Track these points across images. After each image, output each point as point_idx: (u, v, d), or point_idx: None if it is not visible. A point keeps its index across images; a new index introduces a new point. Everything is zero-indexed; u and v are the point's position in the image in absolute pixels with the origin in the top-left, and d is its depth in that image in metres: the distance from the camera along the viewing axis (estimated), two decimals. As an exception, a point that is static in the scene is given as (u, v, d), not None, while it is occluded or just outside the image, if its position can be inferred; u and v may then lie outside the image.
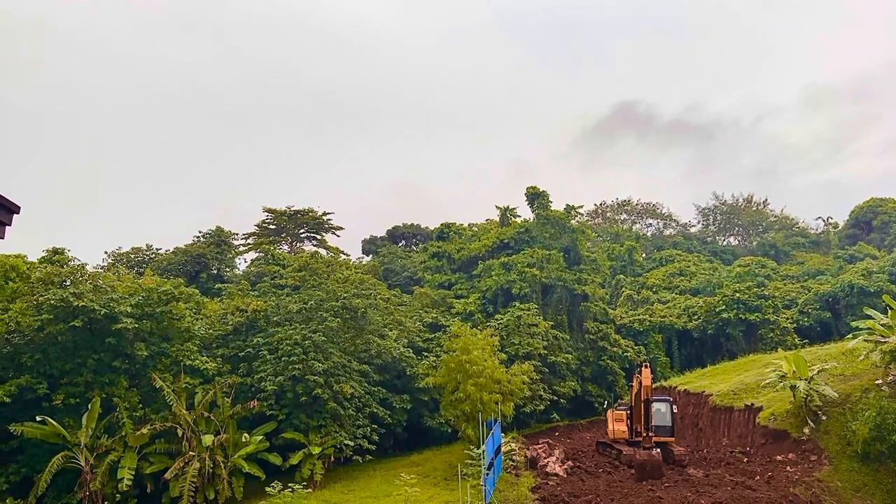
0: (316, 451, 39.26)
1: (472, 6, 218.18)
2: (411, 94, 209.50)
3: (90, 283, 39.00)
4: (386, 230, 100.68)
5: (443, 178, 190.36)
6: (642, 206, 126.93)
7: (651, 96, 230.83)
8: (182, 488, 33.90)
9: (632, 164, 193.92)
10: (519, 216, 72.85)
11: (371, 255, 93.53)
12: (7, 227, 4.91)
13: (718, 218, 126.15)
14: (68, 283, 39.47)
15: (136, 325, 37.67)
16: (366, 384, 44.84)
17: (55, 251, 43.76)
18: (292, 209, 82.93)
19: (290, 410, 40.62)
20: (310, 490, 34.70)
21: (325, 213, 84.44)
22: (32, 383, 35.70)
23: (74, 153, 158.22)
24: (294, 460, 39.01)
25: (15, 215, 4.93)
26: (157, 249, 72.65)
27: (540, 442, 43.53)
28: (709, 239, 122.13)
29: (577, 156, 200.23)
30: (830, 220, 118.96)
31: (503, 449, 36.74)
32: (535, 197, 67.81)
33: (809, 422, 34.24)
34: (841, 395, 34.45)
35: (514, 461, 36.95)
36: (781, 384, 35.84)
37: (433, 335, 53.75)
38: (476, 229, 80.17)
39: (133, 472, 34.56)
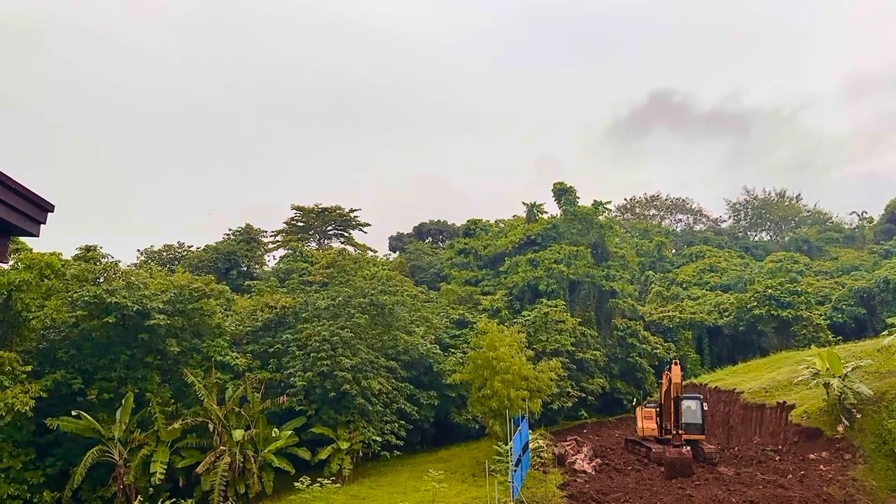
0: (344, 446, 39.55)
1: (498, 1, 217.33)
2: (438, 90, 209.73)
3: (123, 280, 39.70)
4: (412, 227, 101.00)
5: (470, 174, 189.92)
6: (672, 201, 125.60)
7: (687, 85, 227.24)
8: (213, 482, 34.38)
9: (664, 158, 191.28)
10: (546, 212, 72.55)
11: (398, 252, 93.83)
12: (41, 226, 4.99)
13: (750, 213, 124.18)
14: (102, 280, 40.24)
15: (168, 322, 38.24)
16: (393, 380, 45.03)
17: (88, 249, 44.59)
18: (320, 206, 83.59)
19: (318, 406, 40.96)
20: (338, 485, 34.92)
21: (352, 211, 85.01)
22: (68, 378, 36.47)
23: (108, 152, 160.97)
24: (323, 455, 39.34)
25: (49, 213, 5.00)
26: (189, 247, 73.71)
27: (568, 439, 43.29)
28: (740, 234, 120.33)
29: (608, 149, 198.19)
30: (865, 215, 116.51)
31: (531, 446, 36.63)
32: (563, 193, 67.42)
33: (843, 420, 33.62)
34: (876, 392, 33.75)
35: (541, 458, 36.84)
36: (815, 382, 35.25)
37: (460, 332, 53.77)
38: (502, 226, 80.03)
39: (165, 466, 35.13)
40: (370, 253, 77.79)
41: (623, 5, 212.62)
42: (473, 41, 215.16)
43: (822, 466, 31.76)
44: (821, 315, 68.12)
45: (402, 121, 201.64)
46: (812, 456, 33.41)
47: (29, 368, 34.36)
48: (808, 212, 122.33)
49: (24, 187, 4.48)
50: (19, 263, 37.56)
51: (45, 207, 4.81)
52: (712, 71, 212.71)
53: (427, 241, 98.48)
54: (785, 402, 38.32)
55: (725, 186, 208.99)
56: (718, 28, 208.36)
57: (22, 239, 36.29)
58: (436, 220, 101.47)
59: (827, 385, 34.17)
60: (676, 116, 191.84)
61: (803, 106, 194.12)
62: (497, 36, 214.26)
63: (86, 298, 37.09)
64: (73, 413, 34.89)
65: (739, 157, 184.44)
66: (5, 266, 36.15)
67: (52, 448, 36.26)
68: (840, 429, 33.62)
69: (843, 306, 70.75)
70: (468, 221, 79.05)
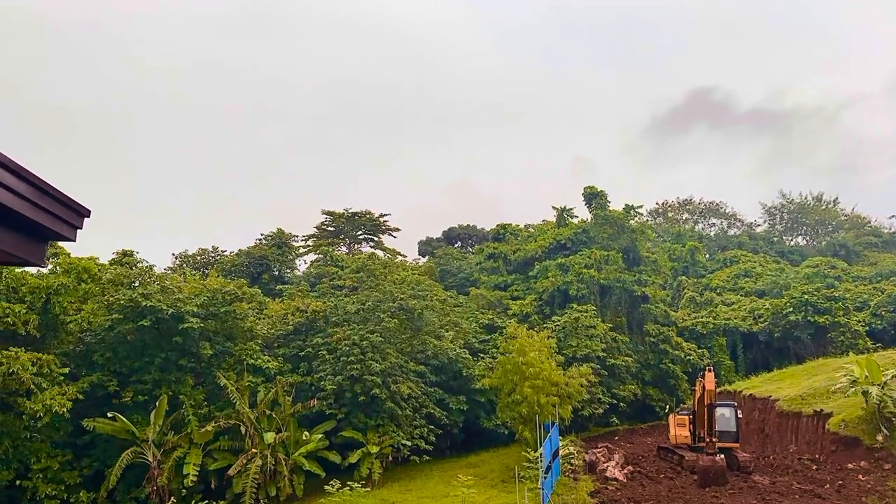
0: (374, 450, 39.65)
1: (528, 6, 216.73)
2: (470, 93, 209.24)
3: (158, 284, 40.34)
4: (441, 231, 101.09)
5: (502, 178, 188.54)
6: (705, 205, 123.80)
7: (728, 83, 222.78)
8: (245, 485, 34.72)
9: (702, 158, 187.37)
10: (576, 217, 72.03)
11: (427, 257, 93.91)
12: (78, 231, 5.06)
13: (785, 217, 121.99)
14: (137, 284, 40.93)
15: (202, 325, 38.74)
16: (422, 385, 45.07)
17: (125, 253, 45.38)
18: (350, 211, 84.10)
19: (348, 409, 41.16)
20: (368, 489, 35.05)
21: (381, 215, 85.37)
22: (103, 381, 37.16)
23: (143, 158, 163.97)
24: (353, 459, 39.49)
25: (85, 219, 5.07)
26: (222, 251, 74.63)
27: (599, 446, 42.93)
28: (775, 239, 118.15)
29: (645, 148, 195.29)
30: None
31: (561, 452, 36.38)
32: (593, 197, 66.93)
33: (883, 429, 32.83)
34: (918, 401, 32.89)
35: (572, 465, 36.57)
36: (853, 389, 34.47)
37: (489, 336, 53.62)
38: (532, 230, 79.63)
39: (198, 468, 35.57)
40: (399, 257, 78.07)
41: (660, 4, 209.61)
42: (504, 44, 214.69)
43: (860, 476, 31.02)
44: (859, 321, 66.62)
45: (432, 125, 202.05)
46: (850, 465, 32.65)
47: (66, 370, 35.05)
48: (845, 216, 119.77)
49: (60, 192, 4.55)
50: (57, 268, 38.41)
51: (82, 213, 4.87)
52: (754, 69, 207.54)
53: (456, 245, 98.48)
54: (822, 410, 37.54)
55: (765, 188, 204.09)
56: (761, 25, 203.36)
57: (60, 243, 37.11)
58: (465, 224, 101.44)
59: (866, 393, 33.41)
60: (716, 115, 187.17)
61: (847, 105, 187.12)
62: (529, 40, 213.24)
63: (121, 302, 37.78)
64: (109, 415, 35.52)
65: (780, 158, 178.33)
66: (44, 270, 37.03)
67: (88, 449, 36.92)
68: (879, 438, 32.83)
69: (883, 312, 69.12)
70: (497, 226, 78.82)
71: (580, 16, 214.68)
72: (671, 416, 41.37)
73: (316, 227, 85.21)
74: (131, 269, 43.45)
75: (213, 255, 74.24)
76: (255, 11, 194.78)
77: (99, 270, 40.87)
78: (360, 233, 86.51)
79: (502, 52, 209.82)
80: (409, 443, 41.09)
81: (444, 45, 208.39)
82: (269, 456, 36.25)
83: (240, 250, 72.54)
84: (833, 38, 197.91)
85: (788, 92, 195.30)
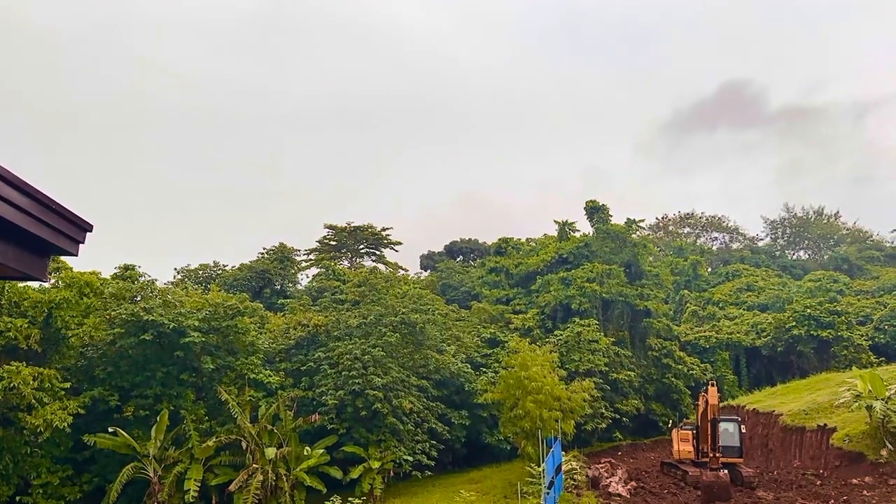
0: (376, 465, 39.46)
1: (537, 15, 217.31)
2: (479, 105, 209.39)
3: (160, 299, 40.35)
4: (444, 245, 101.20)
5: (513, 188, 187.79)
6: (707, 219, 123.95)
7: (748, 90, 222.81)
8: (246, 500, 34.53)
9: (719, 167, 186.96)
10: (578, 231, 72.11)
11: (429, 271, 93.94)
12: (80, 245, 5.07)
13: (788, 231, 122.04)
14: (139, 299, 40.96)
15: (203, 339, 38.71)
16: (424, 399, 44.90)
17: (126, 268, 45.42)
18: (352, 225, 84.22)
19: (350, 424, 40.99)
20: (369, 504, 34.86)
21: (383, 229, 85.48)
22: (105, 395, 37.09)
23: (146, 173, 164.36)
24: (354, 474, 39.28)
25: (88, 233, 5.08)
26: (224, 266, 74.64)
27: (602, 461, 42.63)
28: (777, 253, 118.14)
29: (661, 153, 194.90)
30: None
31: (564, 468, 36.16)
32: (595, 211, 66.98)
33: (887, 444, 32.62)
34: (922, 416, 32.70)
35: (575, 480, 36.33)
36: (856, 404, 34.30)
37: (491, 351, 53.50)
38: (534, 244, 79.68)
39: (199, 484, 35.40)
40: (401, 271, 78.07)
41: (671, 17, 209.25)
42: (518, 54, 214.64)
43: (865, 492, 30.78)
44: (862, 335, 66.39)
45: (440, 137, 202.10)
46: (855, 481, 32.41)
47: (68, 385, 35.01)
48: (847, 230, 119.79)
49: (63, 207, 4.57)
50: (59, 282, 38.44)
51: (84, 227, 4.88)
52: (784, 70, 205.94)
53: (458, 259, 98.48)
54: (826, 425, 37.33)
55: (782, 197, 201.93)
56: (792, 26, 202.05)
57: (62, 258, 37.15)
58: (467, 238, 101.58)
59: (869, 408, 33.25)
60: (739, 115, 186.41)
61: (869, 111, 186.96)
62: (541, 48, 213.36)
63: (123, 316, 37.77)
64: (110, 430, 35.42)
65: (797, 167, 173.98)
66: (46, 284, 37.07)
67: (89, 464, 36.79)
68: (884, 453, 32.61)
69: (886, 326, 68.91)
70: (499, 240, 78.95)
71: (598, 23, 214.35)
72: (674, 430, 41.16)
73: (318, 241, 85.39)
74: (133, 283, 43.48)
75: (214, 269, 74.19)
76: (262, 24, 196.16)
77: (101, 285, 40.89)
78: (361, 247, 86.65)
79: (516, 65, 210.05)
80: (410, 458, 40.88)
81: (452, 60, 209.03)
82: (270, 471, 36.09)
83: (242, 264, 72.56)
84: (859, 43, 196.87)
85: (816, 93, 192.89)
